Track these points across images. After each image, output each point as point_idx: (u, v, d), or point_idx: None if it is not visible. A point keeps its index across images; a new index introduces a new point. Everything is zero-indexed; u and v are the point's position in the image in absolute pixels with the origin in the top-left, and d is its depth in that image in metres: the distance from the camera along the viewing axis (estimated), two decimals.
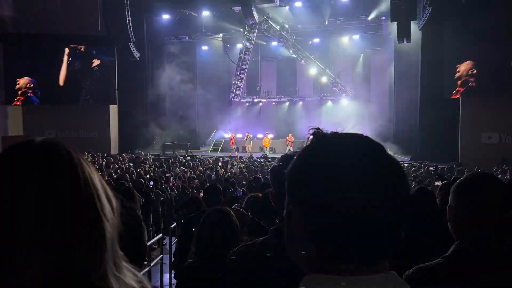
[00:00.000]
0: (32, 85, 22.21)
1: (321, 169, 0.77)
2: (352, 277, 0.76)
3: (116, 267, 0.83)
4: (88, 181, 0.81)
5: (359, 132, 0.88)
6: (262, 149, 23.97)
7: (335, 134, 0.84)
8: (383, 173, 0.77)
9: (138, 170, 16.49)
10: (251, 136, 24.22)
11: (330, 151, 0.80)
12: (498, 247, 1.58)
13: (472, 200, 1.64)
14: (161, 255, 8.18)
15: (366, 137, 0.83)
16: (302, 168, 0.80)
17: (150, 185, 10.08)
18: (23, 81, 22.01)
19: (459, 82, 18.67)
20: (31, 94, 22.18)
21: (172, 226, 8.48)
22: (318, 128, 0.86)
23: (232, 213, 2.81)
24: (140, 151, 22.90)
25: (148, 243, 7.84)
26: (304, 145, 0.85)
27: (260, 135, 25.38)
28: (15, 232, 0.75)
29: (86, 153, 20.34)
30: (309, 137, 0.85)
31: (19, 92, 22.07)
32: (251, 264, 1.71)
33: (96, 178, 0.84)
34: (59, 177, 0.79)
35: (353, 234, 0.75)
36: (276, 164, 1.86)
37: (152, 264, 7.57)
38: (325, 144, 0.82)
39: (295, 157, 0.83)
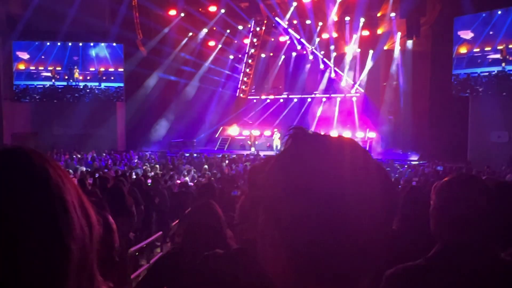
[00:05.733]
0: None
1: (296, 177, 0.68)
2: None
3: None
4: (52, 195, 0.66)
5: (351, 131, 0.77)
6: (270, 147, 23.92)
7: (316, 136, 0.73)
8: (368, 183, 0.68)
9: (144, 167, 16.59)
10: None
11: (308, 157, 0.70)
12: (479, 249, 1.56)
13: (452, 201, 1.61)
14: (162, 252, 8.21)
15: (352, 140, 0.74)
16: (277, 175, 0.71)
17: (149, 184, 10.12)
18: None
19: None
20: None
21: (173, 224, 8.49)
22: (300, 127, 0.75)
23: (217, 206, 2.78)
24: (146, 148, 23.02)
25: (149, 240, 7.89)
26: (283, 148, 0.75)
27: (268, 132, 25.33)
28: None
29: (93, 150, 20.50)
30: (287, 139, 0.75)
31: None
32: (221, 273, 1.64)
33: (68, 190, 0.69)
34: (13, 190, 0.65)
35: (331, 252, 0.67)
36: (255, 165, 1.78)
37: (152, 261, 7.60)
38: (303, 149, 0.71)
39: (272, 161, 0.74)
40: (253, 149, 23.18)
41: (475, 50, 18.26)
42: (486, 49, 17.92)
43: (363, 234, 0.67)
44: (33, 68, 22.56)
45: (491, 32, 17.69)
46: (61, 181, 0.69)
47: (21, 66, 22.40)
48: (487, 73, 17.98)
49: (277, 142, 23.40)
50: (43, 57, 22.61)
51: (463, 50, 18.59)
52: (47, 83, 22.80)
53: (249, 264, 1.46)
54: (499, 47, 17.61)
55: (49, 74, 22.73)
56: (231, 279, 1.50)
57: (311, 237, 0.66)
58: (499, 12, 17.51)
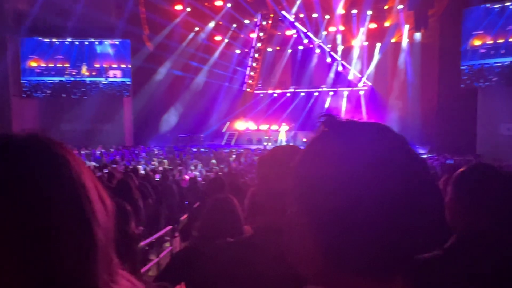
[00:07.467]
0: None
1: (332, 166, 0.66)
2: None
3: (111, 277, 0.70)
4: (75, 181, 0.67)
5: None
6: (276, 141, 23.88)
7: (350, 123, 0.71)
8: (407, 172, 0.65)
9: (153, 162, 16.64)
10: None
11: (345, 143, 0.67)
12: (497, 238, 1.56)
13: (470, 191, 1.61)
14: (171, 247, 8.23)
15: (387, 127, 0.71)
16: (312, 164, 0.69)
17: (157, 179, 10.13)
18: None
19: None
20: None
21: (182, 218, 8.50)
22: (331, 115, 0.72)
23: (235, 201, 2.77)
24: (153, 143, 23.09)
25: (158, 235, 7.92)
26: (314, 135, 0.72)
27: (275, 126, 25.30)
28: None
29: (101, 146, 20.58)
30: (319, 126, 0.72)
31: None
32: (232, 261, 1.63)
33: (87, 177, 0.70)
34: (40, 178, 0.64)
35: (367, 245, 0.64)
36: (263, 156, 1.75)
37: (161, 255, 7.62)
38: (339, 136, 0.69)
39: (304, 150, 0.72)
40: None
41: (488, 42, 18.16)
42: (499, 41, 17.81)
43: (401, 226, 0.64)
44: (44, 65, 22.70)
45: (503, 25, 17.62)
46: (79, 168, 0.68)
47: (33, 64, 22.56)
48: (500, 64, 17.87)
49: (282, 136, 23.33)
50: (52, 54, 22.71)
51: (477, 42, 18.48)
52: (57, 79, 22.93)
53: (261, 249, 1.44)
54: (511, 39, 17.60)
55: (63, 70, 22.90)
56: (244, 265, 1.48)
57: (346, 228, 0.64)
58: (511, 7, 17.47)
